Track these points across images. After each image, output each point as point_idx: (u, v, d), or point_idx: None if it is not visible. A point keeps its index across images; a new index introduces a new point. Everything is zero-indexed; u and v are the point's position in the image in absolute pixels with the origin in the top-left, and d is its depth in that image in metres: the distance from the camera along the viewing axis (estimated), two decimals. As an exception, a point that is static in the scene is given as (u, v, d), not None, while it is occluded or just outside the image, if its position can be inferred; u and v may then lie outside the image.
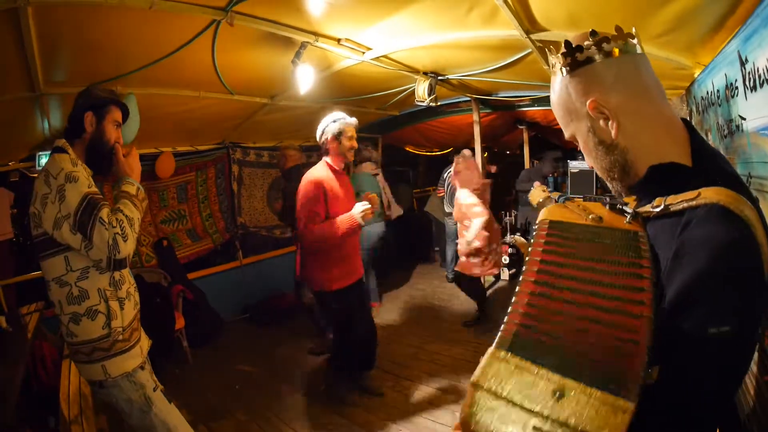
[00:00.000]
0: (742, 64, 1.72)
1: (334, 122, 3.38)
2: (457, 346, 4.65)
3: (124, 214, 1.94)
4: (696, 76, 2.65)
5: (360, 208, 3.23)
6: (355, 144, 3.46)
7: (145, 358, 2.16)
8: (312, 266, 3.45)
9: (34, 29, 2.21)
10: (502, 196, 8.53)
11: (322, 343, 4.79)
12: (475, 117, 5.85)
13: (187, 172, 5.71)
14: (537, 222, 1.00)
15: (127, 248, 1.91)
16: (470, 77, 4.47)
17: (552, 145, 10.25)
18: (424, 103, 4.44)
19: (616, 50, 0.90)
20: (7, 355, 2.57)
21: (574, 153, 11.29)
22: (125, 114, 2.23)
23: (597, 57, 0.90)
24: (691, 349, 0.74)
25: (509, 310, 0.83)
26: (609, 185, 1.01)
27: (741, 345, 0.75)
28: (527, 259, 0.91)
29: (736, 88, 1.81)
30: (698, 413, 0.75)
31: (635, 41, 0.92)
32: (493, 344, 0.78)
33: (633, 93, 0.90)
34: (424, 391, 3.84)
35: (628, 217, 0.93)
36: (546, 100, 5.35)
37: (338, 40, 3.16)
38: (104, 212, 1.86)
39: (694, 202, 0.81)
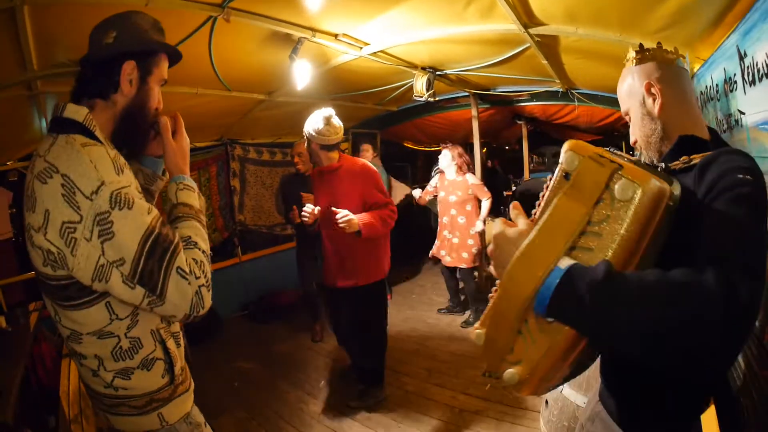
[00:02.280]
0: (741, 58, 1.71)
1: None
2: (455, 342, 4.67)
3: (200, 250, 1.33)
4: (695, 71, 2.65)
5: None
6: None
7: None
8: (380, 254, 3.47)
9: (30, 28, 2.19)
10: (502, 191, 8.52)
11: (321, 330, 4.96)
12: (474, 112, 5.85)
13: (190, 172, 5.66)
14: None
15: (210, 297, 1.32)
16: (468, 72, 4.46)
17: (551, 139, 10.24)
18: (423, 99, 4.43)
19: (673, 58, 1.25)
20: (6, 355, 2.56)
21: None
22: (171, 65, 1.53)
23: (658, 59, 1.25)
24: (726, 207, 0.95)
25: None
26: (645, 153, 1.30)
27: (761, 204, 0.95)
28: None
29: (735, 82, 1.80)
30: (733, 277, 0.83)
31: (685, 60, 1.27)
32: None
33: (676, 89, 1.23)
34: (423, 387, 3.85)
35: (659, 168, 1.19)
36: (544, 95, 5.36)
37: (336, 36, 3.15)
38: (183, 258, 1.25)
39: (711, 155, 1.08)
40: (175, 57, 1.50)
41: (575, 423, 2.35)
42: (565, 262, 0.89)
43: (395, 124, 7.12)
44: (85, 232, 1.15)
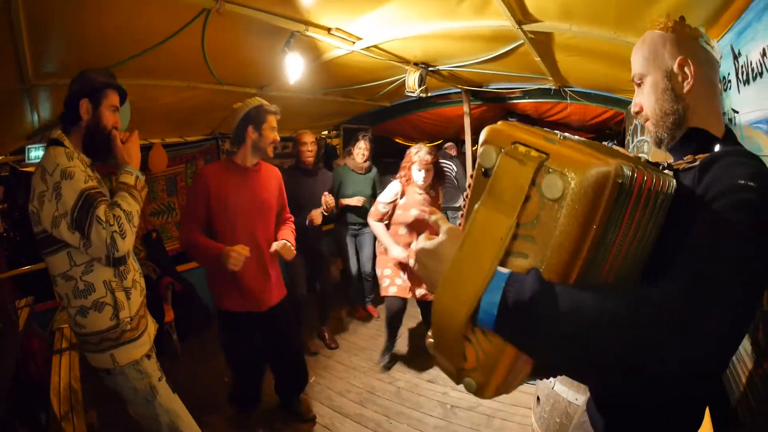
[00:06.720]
0: (735, 57, 1.73)
1: (255, 108, 2.89)
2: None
3: (122, 209, 1.91)
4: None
5: (238, 253, 2.55)
6: (277, 137, 2.96)
7: (152, 345, 2.22)
8: (212, 275, 2.92)
9: (24, 19, 2.17)
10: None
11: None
12: (466, 109, 5.85)
13: (176, 164, 5.64)
14: None
15: (126, 245, 1.90)
16: (461, 68, 4.46)
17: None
18: (415, 94, 4.43)
19: (711, 45, 1.12)
20: (-3, 351, 2.54)
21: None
22: (123, 97, 2.17)
23: (697, 39, 1.11)
24: (718, 213, 0.83)
25: None
26: (653, 128, 1.16)
27: (763, 216, 0.80)
28: None
29: (729, 81, 1.82)
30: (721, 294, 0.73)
31: (717, 51, 1.14)
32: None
33: (708, 76, 1.10)
34: (414, 383, 3.89)
35: (660, 167, 1.10)
36: (537, 93, 5.36)
37: (329, 30, 3.13)
38: (101, 210, 1.83)
39: (714, 154, 1.00)
40: (121, 92, 2.14)
41: (567, 419, 2.36)
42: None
43: (387, 120, 7.09)
44: (49, 196, 1.81)
